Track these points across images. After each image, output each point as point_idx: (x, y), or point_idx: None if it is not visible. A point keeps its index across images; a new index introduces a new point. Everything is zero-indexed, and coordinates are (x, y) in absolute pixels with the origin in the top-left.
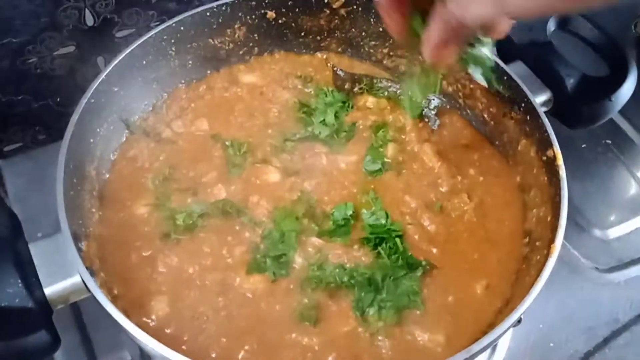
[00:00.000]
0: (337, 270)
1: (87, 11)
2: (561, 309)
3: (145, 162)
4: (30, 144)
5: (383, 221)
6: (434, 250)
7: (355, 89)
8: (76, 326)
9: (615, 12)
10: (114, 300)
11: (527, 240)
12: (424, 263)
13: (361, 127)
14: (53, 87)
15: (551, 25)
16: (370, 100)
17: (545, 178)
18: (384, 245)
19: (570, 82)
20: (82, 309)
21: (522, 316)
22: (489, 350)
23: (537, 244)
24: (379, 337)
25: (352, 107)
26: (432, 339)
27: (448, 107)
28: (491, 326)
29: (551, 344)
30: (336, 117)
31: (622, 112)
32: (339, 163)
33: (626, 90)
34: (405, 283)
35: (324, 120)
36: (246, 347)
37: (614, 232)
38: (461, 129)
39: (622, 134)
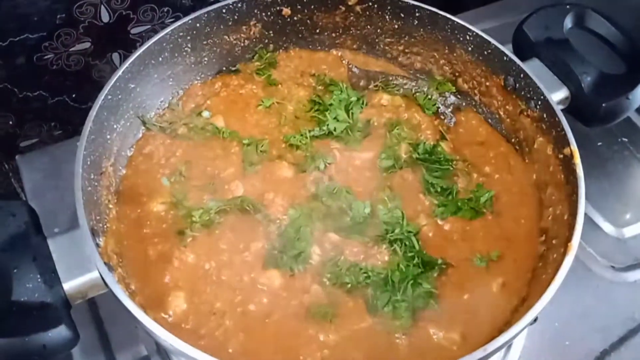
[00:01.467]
0: (353, 269)
1: (102, 7)
2: (577, 308)
3: (161, 158)
4: (46, 139)
5: (399, 220)
6: (450, 249)
7: (370, 87)
8: (93, 321)
9: (633, 9)
10: (132, 295)
11: (543, 238)
12: (440, 262)
13: (375, 124)
14: (69, 83)
15: (568, 23)
16: (385, 98)
17: (562, 176)
18: (399, 243)
19: (587, 80)
20: (99, 304)
21: (537, 314)
22: (504, 349)
23: (554, 242)
24: (396, 335)
25: (366, 104)
26: (447, 337)
27: (464, 104)
28: (507, 325)
29: (567, 343)
30: (350, 114)
31: (639, 110)
32: (354, 160)
33: None
34: (422, 285)
35: (337, 116)
36: (263, 343)
37: (630, 231)
38: (477, 126)
39: (638, 132)
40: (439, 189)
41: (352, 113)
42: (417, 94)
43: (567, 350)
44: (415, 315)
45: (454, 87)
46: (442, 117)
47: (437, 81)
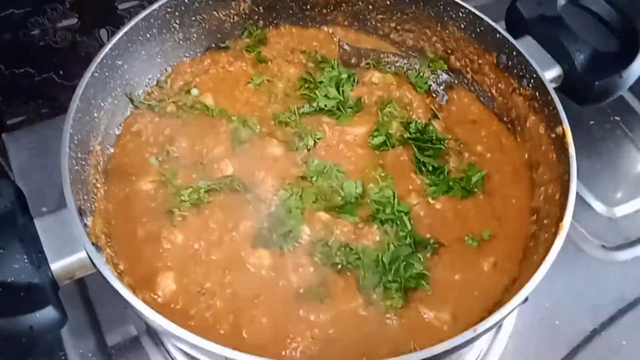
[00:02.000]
0: (344, 249)
1: None
2: (567, 287)
3: (149, 137)
4: (33, 117)
5: (390, 199)
6: (441, 228)
7: (362, 64)
8: (82, 302)
9: None
10: (120, 276)
11: (534, 218)
12: (432, 241)
13: (367, 102)
14: (56, 60)
15: (561, 0)
16: (376, 76)
17: (554, 155)
18: (390, 223)
19: (580, 58)
20: (88, 285)
21: (528, 294)
22: (494, 328)
23: (545, 221)
24: (387, 315)
25: (357, 82)
26: (438, 316)
27: (456, 82)
28: (498, 304)
29: (557, 322)
30: (341, 91)
31: (632, 89)
32: (344, 135)
33: (637, 67)
34: (413, 266)
35: (327, 94)
36: (253, 323)
37: (621, 210)
38: (469, 104)
39: (631, 111)
40: (430, 168)
41: (343, 91)
42: (409, 71)
43: (557, 330)
44: (407, 295)
45: (445, 65)
46: (434, 95)
47: (429, 59)
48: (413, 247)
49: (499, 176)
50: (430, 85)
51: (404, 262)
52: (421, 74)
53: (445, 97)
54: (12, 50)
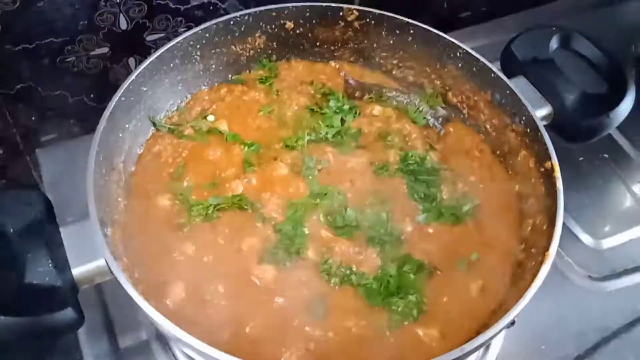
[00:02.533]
0: (344, 269)
1: (121, 16)
2: (554, 314)
3: (168, 158)
4: (65, 135)
5: (386, 223)
6: (434, 252)
7: (365, 98)
8: (99, 306)
9: (616, 33)
10: (135, 283)
11: (522, 246)
12: (427, 265)
13: (366, 132)
14: (87, 85)
15: (554, 44)
16: (377, 109)
17: (543, 188)
18: (388, 246)
19: (570, 98)
20: (105, 290)
21: (515, 318)
22: (482, 350)
23: (533, 250)
24: (383, 332)
25: (359, 114)
26: (427, 333)
27: (453, 115)
28: (485, 326)
29: (543, 347)
30: (343, 122)
31: (620, 128)
32: (346, 163)
33: (624, 107)
34: (414, 295)
35: (330, 124)
36: (253, 332)
37: (607, 243)
38: (464, 136)
39: (619, 148)
40: (422, 195)
41: (345, 121)
42: (409, 106)
43: (542, 354)
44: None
45: (443, 103)
46: (433, 127)
47: (428, 95)
48: (413, 274)
49: (489, 205)
50: (428, 120)
51: (403, 294)
52: (420, 109)
53: (443, 131)
54: (49, 74)
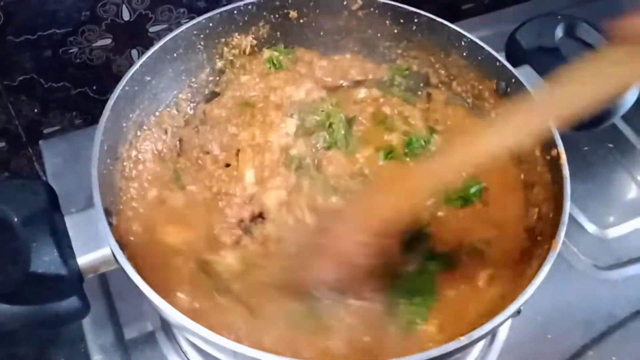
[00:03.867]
0: None
1: (124, 7)
2: (560, 303)
3: None
4: (68, 127)
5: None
6: (447, 236)
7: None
8: (103, 296)
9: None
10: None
11: (528, 235)
12: (443, 255)
13: (362, 120)
14: (90, 76)
15: (559, 32)
16: (362, 91)
17: (549, 176)
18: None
19: None
20: (110, 281)
21: (521, 307)
22: (488, 339)
23: (539, 238)
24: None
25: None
26: (431, 322)
27: (458, 102)
28: (491, 315)
29: (549, 336)
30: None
31: (625, 117)
32: (355, 162)
33: (629, 96)
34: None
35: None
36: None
37: (613, 232)
38: (469, 126)
39: (623, 138)
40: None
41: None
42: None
43: (549, 343)
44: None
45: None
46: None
47: (394, 69)
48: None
49: (496, 189)
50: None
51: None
52: (396, 83)
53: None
54: (52, 66)
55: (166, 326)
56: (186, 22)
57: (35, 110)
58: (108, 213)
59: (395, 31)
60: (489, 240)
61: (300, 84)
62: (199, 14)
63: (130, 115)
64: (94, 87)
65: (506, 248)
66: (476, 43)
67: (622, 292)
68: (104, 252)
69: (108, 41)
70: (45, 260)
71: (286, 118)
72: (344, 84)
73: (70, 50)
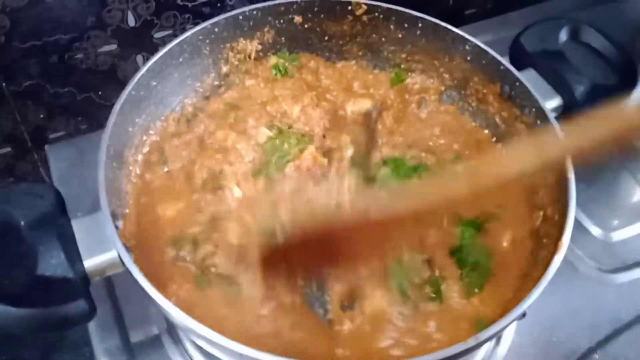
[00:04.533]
0: None
1: (129, 13)
2: (565, 306)
3: None
4: (73, 132)
5: None
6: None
7: None
8: (110, 300)
9: (626, 25)
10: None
11: (533, 238)
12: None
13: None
14: (96, 82)
15: (563, 36)
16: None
17: (553, 179)
18: None
19: (580, 90)
20: (116, 285)
21: (526, 310)
22: (493, 341)
23: (544, 241)
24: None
25: None
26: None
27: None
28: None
29: (554, 339)
30: None
31: None
32: None
33: (634, 100)
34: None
35: None
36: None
37: (618, 235)
38: (473, 130)
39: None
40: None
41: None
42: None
43: (554, 346)
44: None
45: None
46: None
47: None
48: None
49: (499, 198)
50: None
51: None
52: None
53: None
54: (58, 72)
55: (172, 329)
56: (191, 28)
57: (41, 116)
58: (114, 216)
59: (400, 36)
60: (500, 204)
61: (298, 99)
62: (204, 20)
63: (137, 120)
64: (99, 93)
65: (510, 254)
66: (480, 47)
67: (627, 295)
68: (110, 255)
69: (113, 47)
70: (51, 263)
71: (261, 128)
72: (340, 113)
73: (76, 56)
